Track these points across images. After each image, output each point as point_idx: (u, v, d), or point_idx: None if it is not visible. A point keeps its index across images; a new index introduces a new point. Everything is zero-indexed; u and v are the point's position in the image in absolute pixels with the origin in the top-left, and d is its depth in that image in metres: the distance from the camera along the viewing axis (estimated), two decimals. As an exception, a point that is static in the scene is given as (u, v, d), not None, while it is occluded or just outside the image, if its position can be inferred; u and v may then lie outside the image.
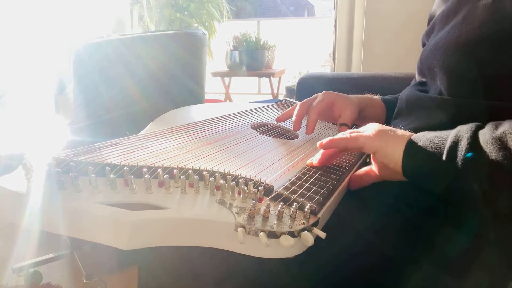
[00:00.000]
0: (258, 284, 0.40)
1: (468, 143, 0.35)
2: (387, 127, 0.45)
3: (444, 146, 0.37)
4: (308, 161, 0.47)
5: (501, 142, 0.33)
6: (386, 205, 0.46)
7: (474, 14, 0.45)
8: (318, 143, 0.46)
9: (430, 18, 0.61)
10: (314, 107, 0.62)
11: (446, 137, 0.38)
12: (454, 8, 0.50)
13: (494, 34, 0.42)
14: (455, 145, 0.36)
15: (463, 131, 0.37)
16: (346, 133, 0.46)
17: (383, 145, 0.42)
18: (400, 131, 0.43)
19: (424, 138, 0.40)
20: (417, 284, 0.40)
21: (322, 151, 0.46)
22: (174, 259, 0.46)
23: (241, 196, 0.35)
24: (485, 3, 0.44)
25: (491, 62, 0.43)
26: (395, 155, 0.41)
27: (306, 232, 0.32)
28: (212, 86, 3.42)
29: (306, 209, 0.34)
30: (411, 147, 0.40)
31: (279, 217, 0.33)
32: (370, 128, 0.45)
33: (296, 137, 0.63)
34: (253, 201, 0.33)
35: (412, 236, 0.44)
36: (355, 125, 0.71)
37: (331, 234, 0.34)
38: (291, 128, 0.65)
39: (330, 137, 0.46)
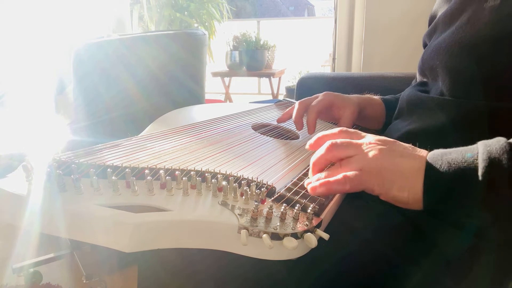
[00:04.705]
0: (257, 282, 0.40)
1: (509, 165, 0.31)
2: (390, 152, 0.38)
3: (475, 170, 0.32)
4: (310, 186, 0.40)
5: None
6: (386, 204, 0.46)
7: (480, 15, 0.45)
8: (310, 188, 0.39)
9: (431, 19, 0.60)
10: (313, 106, 0.61)
11: (473, 159, 0.33)
12: (458, 8, 0.49)
13: (499, 35, 0.42)
14: (490, 165, 0.32)
15: (494, 152, 0.32)
16: (341, 176, 0.37)
17: (388, 187, 0.37)
18: (406, 158, 0.37)
19: (442, 160, 0.35)
20: (417, 284, 0.40)
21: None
22: (174, 258, 0.45)
23: (243, 197, 0.35)
24: (492, 5, 0.44)
25: (494, 63, 0.43)
26: (404, 196, 0.36)
27: (309, 233, 0.32)
28: (212, 86, 3.41)
29: (309, 211, 0.34)
30: (430, 178, 0.35)
31: (282, 218, 0.33)
32: (368, 161, 0.37)
33: (297, 137, 0.63)
34: (255, 203, 0.33)
35: (412, 236, 0.44)
36: (356, 125, 0.71)
37: (330, 233, 0.33)
38: (292, 128, 0.64)
39: (325, 180, 0.38)
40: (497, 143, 0.33)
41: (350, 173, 0.37)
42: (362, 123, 0.71)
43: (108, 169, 0.36)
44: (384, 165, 0.37)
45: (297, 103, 0.63)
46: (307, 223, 0.33)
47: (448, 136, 0.47)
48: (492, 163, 0.31)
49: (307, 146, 0.45)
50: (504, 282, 0.40)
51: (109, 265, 1.19)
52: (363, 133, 0.42)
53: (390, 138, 0.41)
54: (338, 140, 0.40)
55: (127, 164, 0.38)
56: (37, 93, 1.38)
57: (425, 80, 0.58)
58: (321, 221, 0.34)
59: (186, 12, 2.77)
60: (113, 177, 0.34)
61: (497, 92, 0.43)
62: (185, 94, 1.28)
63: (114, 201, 0.33)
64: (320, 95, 0.64)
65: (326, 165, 0.42)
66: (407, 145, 0.39)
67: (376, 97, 0.71)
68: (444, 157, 0.35)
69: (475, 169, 0.32)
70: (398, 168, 0.36)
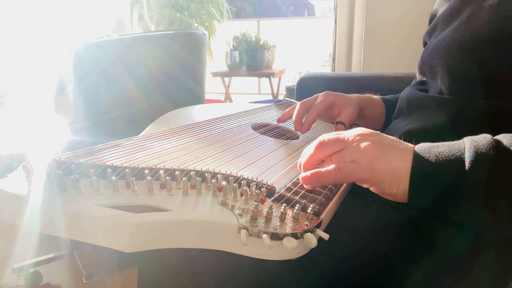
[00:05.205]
0: (257, 282, 0.40)
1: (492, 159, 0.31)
2: (380, 144, 0.37)
3: (463, 164, 0.33)
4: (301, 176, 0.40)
5: None
6: (386, 204, 0.46)
7: (479, 14, 0.45)
8: (301, 177, 0.39)
9: (432, 17, 0.61)
10: (314, 107, 0.62)
11: (460, 154, 0.33)
12: (458, 7, 0.50)
13: (498, 34, 0.42)
14: (476, 160, 0.32)
15: (482, 147, 0.33)
16: (332, 166, 0.37)
17: (379, 180, 0.37)
18: (396, 150, 0.37)
19: (430, 154, 0.35)
20: (417, 284, 0.40)
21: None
22: (174, 258, 0.45)
23: (243, 197, 0.35)
24: (491, 3, 0.44)
25: (493, 62, 0.43)
26: (393, 190, 0.37)
27: (309, 233, 0.32)
28: (212, 86, 3.41)
29: (309, 211, 0.34)
30: (418, 175, 0.35)
31: (282, 218, 0.33)
32: (359, 152, 0.37)
33: (297, 137, 0.63)
34: (255, 203, 0.33)
35: (412, 236, 0.44)
36: (355, 124, 0.71)
37: (330, 233, 0.33)
38: (292, 128, 0.64)
39: (316, 170, 0.38)
40: (484, 139, 0.34)
41: (341, 164, 0.37)
42: (362, 123, 0.70)
43: (108, 169, 0.36)
44: (376, 157, 0.36)
45: (298, 104, 0.63)
46: (307, 223, 0.33)
47: (447, 134, 0.47)
48: (479, 158, 0.32)
49: (298, 167, 0.44)
50: (504, 282, 0.40)
51: (109, 265, 1.19)
52: (344, 131, 0.41)
53: None
54: (326, 138, 0.40)
55: (127, 164, 0.38)
56: (37, 93, 1.38)
57: (424, 79, 0.59)
58: (321, 221, 0.34)
59: (186, 12, 2.77)
60: (113, 177, 0.34)
61: (496, 90, 0.43)
62: (185, 94, 1.28)
63: (114, 201, 0.33)
64: (321, 95, 0.64)
65: (317, 165, 0.41)
66: (392, 137, 0.39)
67: (376, 96, 0.71)
68: (432, 150, 0.35)
69: (462, 163, 0.33)
70: (389, 161, 0.36)
